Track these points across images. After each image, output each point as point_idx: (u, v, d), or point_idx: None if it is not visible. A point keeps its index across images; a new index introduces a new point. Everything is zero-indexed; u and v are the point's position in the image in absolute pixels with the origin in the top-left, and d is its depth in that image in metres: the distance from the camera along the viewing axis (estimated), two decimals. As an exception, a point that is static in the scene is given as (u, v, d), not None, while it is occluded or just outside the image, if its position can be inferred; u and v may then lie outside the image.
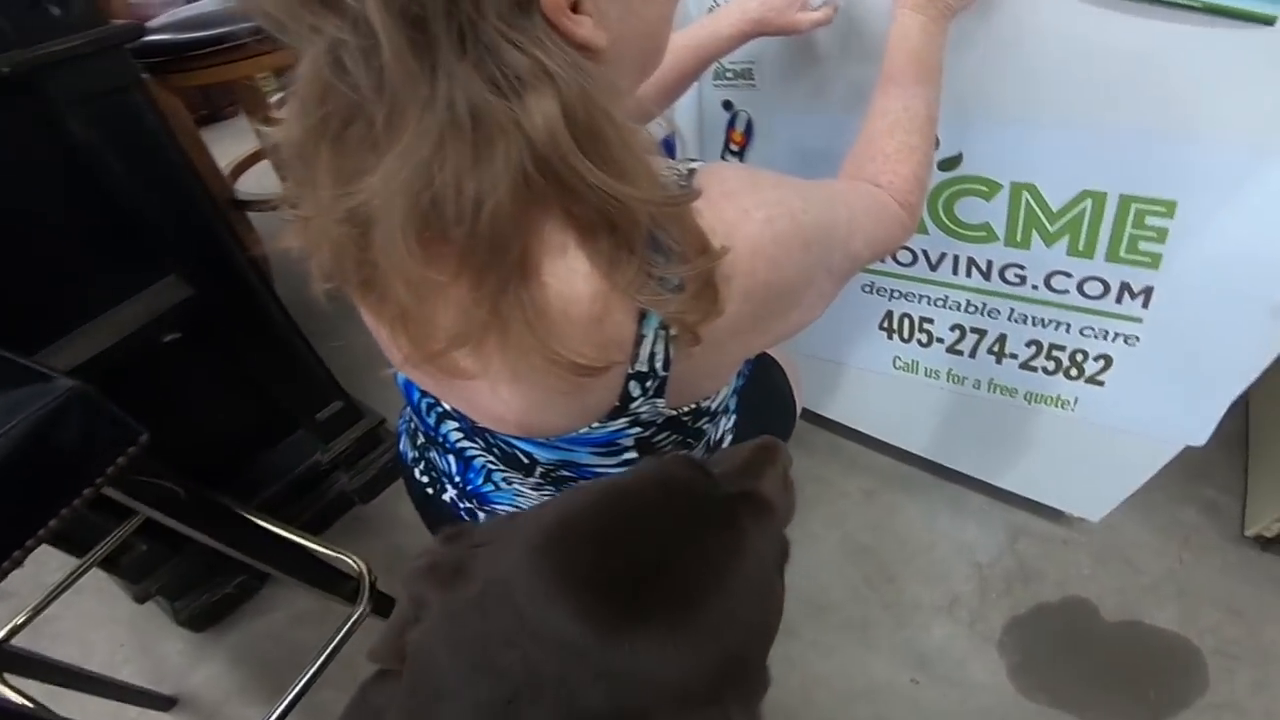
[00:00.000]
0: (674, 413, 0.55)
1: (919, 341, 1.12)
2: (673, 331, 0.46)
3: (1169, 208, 0.84)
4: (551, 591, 0.32)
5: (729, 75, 1.04)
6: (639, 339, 0.46)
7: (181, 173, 0.95)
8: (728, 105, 1.06)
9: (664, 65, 0.82)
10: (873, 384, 1.24)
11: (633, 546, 0.34)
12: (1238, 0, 0.67)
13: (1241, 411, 1.43)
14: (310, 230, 0.46)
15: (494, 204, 0.39)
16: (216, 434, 1.21)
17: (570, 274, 0.43)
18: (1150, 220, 0.85)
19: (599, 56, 0.42)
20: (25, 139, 0.86)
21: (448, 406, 0.61)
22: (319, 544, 1.07)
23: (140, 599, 1.19)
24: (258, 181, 2.27)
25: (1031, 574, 1.26)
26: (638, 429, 0.54)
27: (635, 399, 0.50)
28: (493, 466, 0.64)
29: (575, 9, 0.40)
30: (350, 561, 1.07)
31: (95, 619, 1.36)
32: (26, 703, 0.94)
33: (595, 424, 0.52)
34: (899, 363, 1.17)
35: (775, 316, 0.52)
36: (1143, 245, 0.88)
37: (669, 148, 1.20)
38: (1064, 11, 0.76)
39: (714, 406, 0.60)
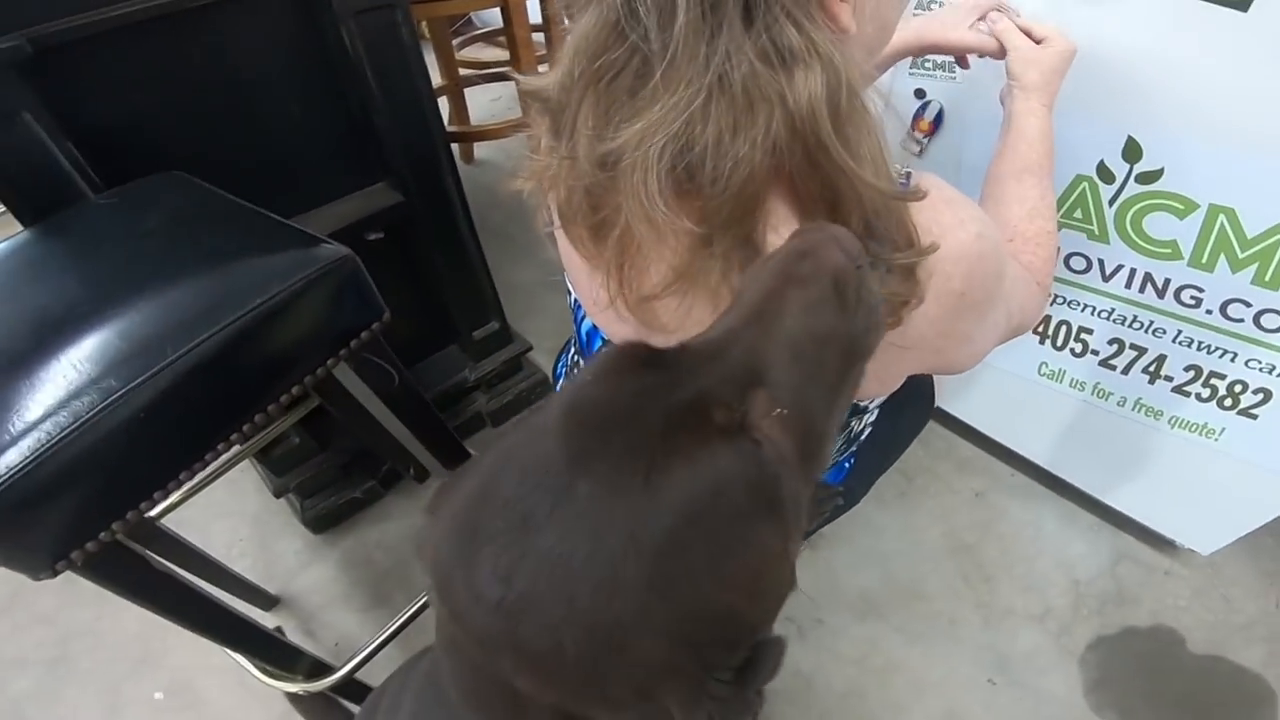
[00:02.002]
0: None
1: (1072, 350, 1.13)
2: None
3: (1375, 254, 0.84)
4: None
5: (928, 65, 1.05)
6: None
7: (419, 93, 1.02)
8: (920, 94, 1.08)
9: None
10: (1011, 387, 1.25)
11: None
12: None
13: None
14: (559, 171, 0.50)
15: (748, 168, 0.42)
16: (389, 337, 1.27)
17: None
18: (1351, 262, 0.86)
19: (847, 41, 0.45)
20: (303, 43, 0.94)
21: None
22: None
23: (278, 493, 1.24)
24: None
25: (1127, 598, 1.28)
26: None
27: None
28: None
29: None
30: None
31: (221, 510, 1.42)
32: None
33: None
34: (1045, 369, 1.18)
35: (952, 339, 0.54)
36: (1335, 286, 0.88)
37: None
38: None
39: (869, 405, 0.63)
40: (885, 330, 0.42)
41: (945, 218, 0.49)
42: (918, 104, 1.09)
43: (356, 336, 0.73)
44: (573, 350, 0.80)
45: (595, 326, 0.67)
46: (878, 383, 0.59)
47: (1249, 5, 0.76)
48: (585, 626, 0.27)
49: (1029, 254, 0.68)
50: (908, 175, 0.51)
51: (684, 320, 0.52)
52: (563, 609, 0.27)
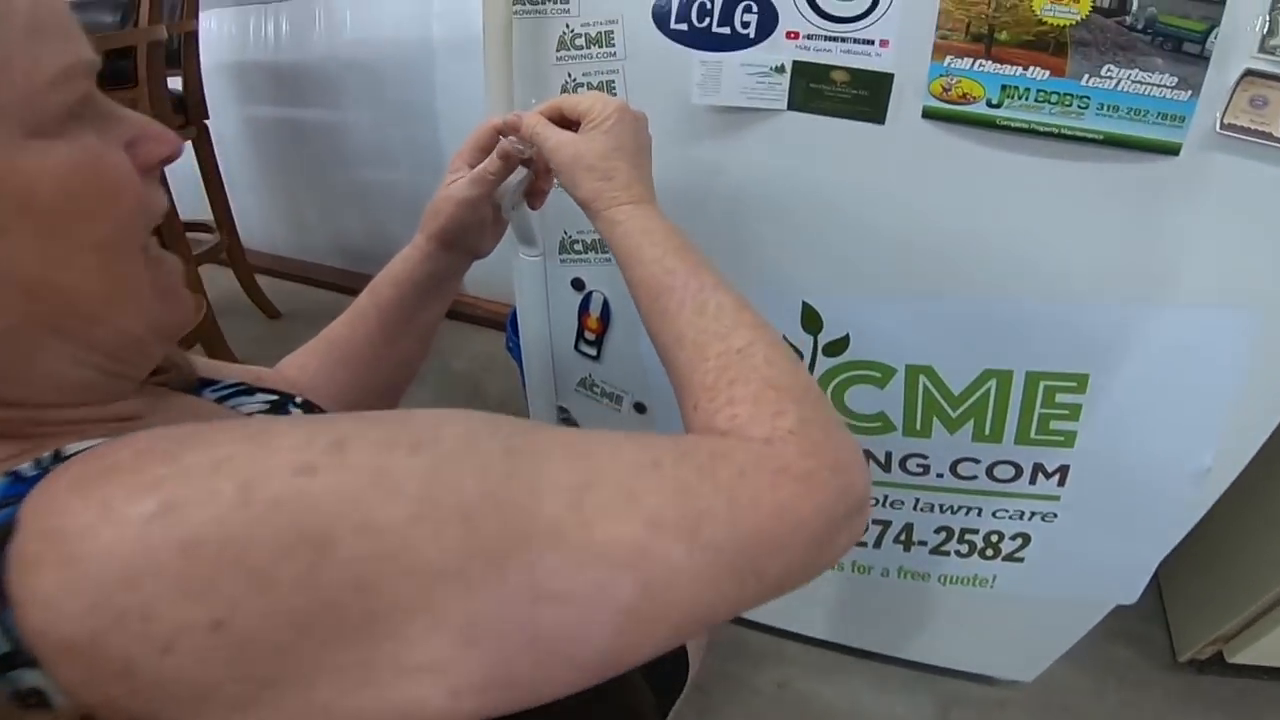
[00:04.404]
0: None
1: (820, 536, 0.99)
2: None
3: (1081, 382, 0.75)
4: None
5: (577, 248, 0.87)
6: None
7: None
8: (578, 284, 0.89)
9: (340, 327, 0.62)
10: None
11: None
12: (1139, 129, 0.58)
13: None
14: None
15: None
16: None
17: None
18: (1061, 397, 0.77)
19: None
20: None
21: None
22: None
23: None
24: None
25: (973, 744, 1.14)
26: None
27: None
28: None
29: None
30: None
31: None
32: None
33: None
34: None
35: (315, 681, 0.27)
36: (1055, 424, 0.79)
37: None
38: (950, 168, 0.66)
39: None
40: None
41: (68, 521, 0.24)
42: (579, 298, 0.90)
43: None
44: None
45: None
46: None
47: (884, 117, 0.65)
48: None
49: (726, 412, 0.38)
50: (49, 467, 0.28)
51: None
52: None
